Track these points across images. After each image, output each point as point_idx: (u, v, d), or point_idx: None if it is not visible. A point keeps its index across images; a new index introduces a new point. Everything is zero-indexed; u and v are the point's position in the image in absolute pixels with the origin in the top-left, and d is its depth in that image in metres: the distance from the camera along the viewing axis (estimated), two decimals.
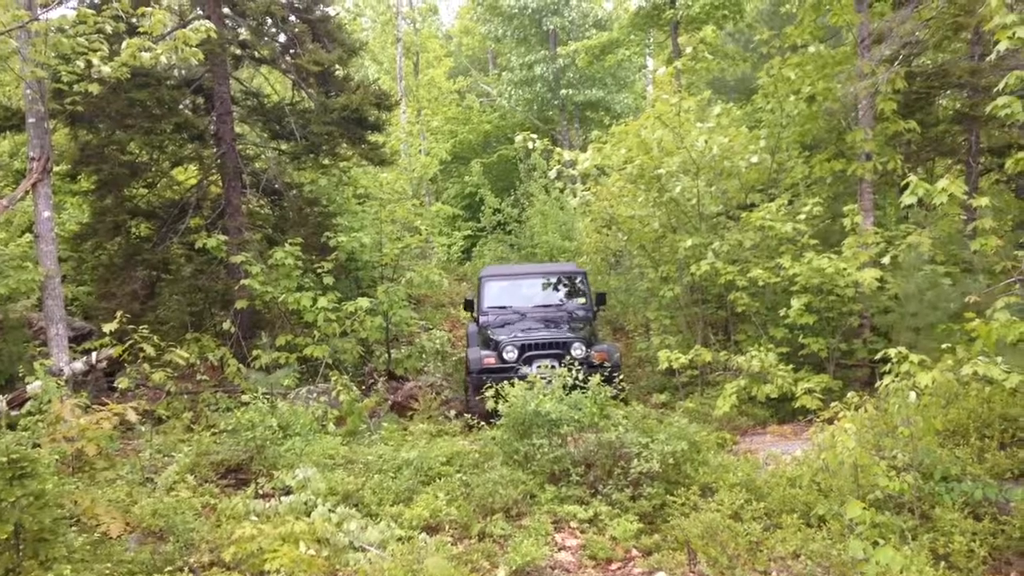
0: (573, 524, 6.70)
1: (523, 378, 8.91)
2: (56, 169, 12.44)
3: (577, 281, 12.94)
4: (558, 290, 12.85)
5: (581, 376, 8.22)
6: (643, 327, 15.14)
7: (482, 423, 9.30)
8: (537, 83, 27.80)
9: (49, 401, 7.33)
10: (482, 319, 12.38)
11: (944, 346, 6.19)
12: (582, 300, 12.68)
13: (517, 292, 12.74)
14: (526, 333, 11.38)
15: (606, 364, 10.64)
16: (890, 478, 5.33)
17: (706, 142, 11.42)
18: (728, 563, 4.88)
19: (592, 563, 6.09)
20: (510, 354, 10.91)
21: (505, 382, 8.59)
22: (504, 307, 12.46)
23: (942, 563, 4.88)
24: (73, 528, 5.78)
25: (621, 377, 10.15)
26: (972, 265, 10.27)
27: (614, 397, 8.23)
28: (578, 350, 10.72)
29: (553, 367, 9.86)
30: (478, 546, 6.26)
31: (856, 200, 11.34)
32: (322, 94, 14.10)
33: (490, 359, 10.94)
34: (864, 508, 4.45)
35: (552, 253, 19.62)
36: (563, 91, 27.14)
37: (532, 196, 21.44)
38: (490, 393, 9.68)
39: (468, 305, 13.08)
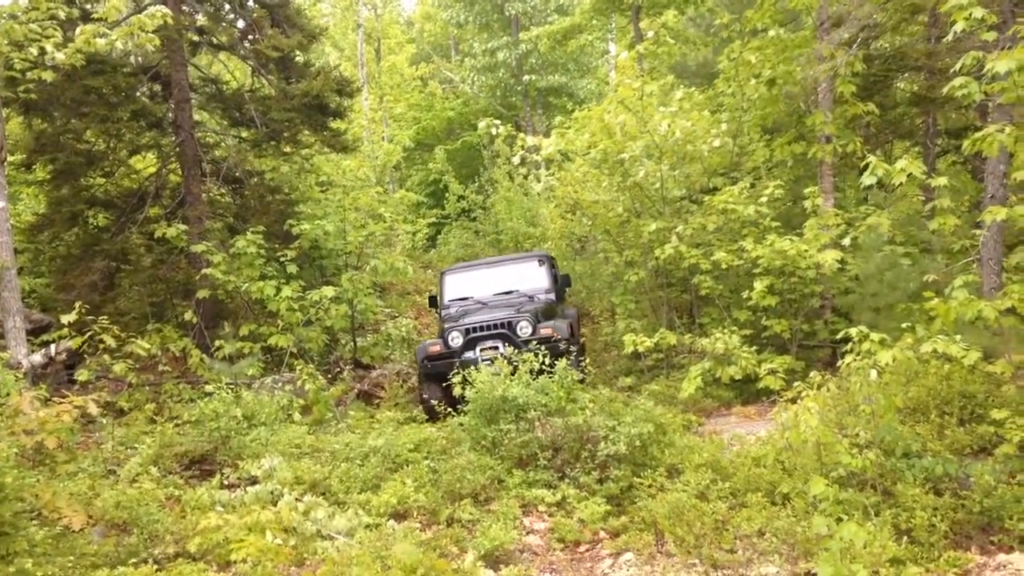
0: (541, 508, 6.72)
1: (467, 364, 9.00)
2: (10, 159, 12.19)
3: (539, 266, 12.48)
4: (520, 277, 12.35)
5: (528, 356, 8.09)
6: (608, 312, 15.18)
7: (427, 416, 9.60)
8: (500, 69, 27.69)
9: (8, 394, 7.18)
10: (443, 313, 12.05)
11: (904, 325, 6.28)
12: (543, 284, 12.17)
13: (477, 283, 12.36)
14: (473, 318, 10.94)
15: (557, 339, 10.11)
16: (852, 455, 5.40)
17: (669, 126, 11.46)
18: (695, 542, 4.92)
19: (560, 546, 6.12)
20: (455, 340, 10.51)
21: (457, 371, 8.53)
22: (465, 298, 12.08)
23: (904, 538, 4.97)
24: (34, 522, 5.69)
25: (586, 361, 10.10)
26: (930, 245, 10.43)
27: (580, 381, 8.16)
28: (524, 329, 10.31)
29: (496, 348, 10.07)
30: (447, 532, 6.27)
31: (817, 182, 11.45)
32: (282, 80, 13.94)
33: (435, 347, 10.63)
34: (827, 485, 4.51)
35: (517, 239, 19.61)
36: (526, 77, 27.05)
37: (496, 183, 21.40)
38: (435, 388, 9.91)
39: (432, 302, 12.87)
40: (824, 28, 11.28)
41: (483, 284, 12.27)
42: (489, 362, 9.08)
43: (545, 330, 10.31)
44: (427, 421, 9.47)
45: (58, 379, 10.44)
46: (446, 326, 10.90)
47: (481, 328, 10.51)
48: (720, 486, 5.90)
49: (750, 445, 7.13)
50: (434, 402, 9.30)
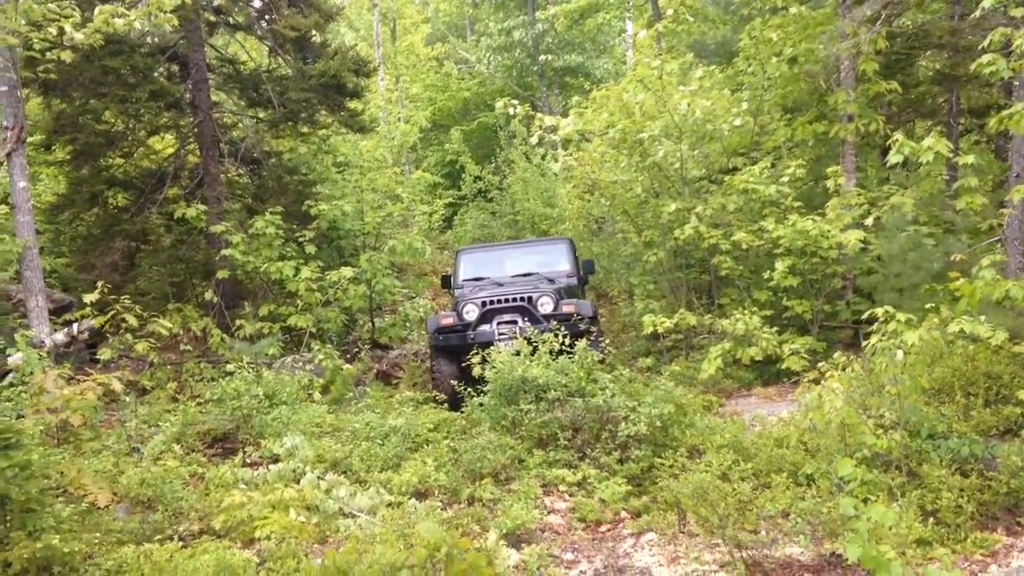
0: (562, 488, 6.73)
1: (482, 339, 9.02)
2: (30, 139, 12.23)
3: (560, 248, 11.91)
4: (541, 260, 11.75)
5: (547, 336, 7.94)
6: (627, 293, 15.13)
7: (445, 400, 9.09)
8: (516, 49, 27.54)
9: (31, 372, 7.24)
10: (457, 293, 11.39)
11: (928, 306, 6.22)
12: (565, 267, 11.52)
13: (494, 264, 11.82)
14: (490, 292, 10.34)
15: (580, 317, 9.51)
16: (877, 436, 5.36)
17: (688, 105, 11.36)
18: (718, 522, 4.90)
19: (582, 525, 6.12)
20: (469, 313, 9.88)
21: (472, 345, 8.58)
22: (480, 279, 11.46)
23: (930, 519, 4.94)
24: (60, 499, 5.74)
25: (606, 341, 9.64)
26: (954, 225, 10.32)
27: (600, 361, 8.06)
28: (545, 305, 9.68)
29: (514, 323, 9.53)
30: (468, 511, 6.28)
31: (838, 162, 11.34)
32: (299, 60, 13.92)
33: (448, 319, 9.99)
34: (855, 465, 4.47)
35: (534, 220, 19.55)
36: (542, 57, 26.90)
37: (513, 163, 21.33)
38: (446, 363, 9.55)
39: (445, 282, 12.16)
40: (846, 5, 11.15)
41: (501, 265, 11.77)
42: (507, 338, 9.00)
43: (568, 307, 9.72)
44: (445, 404, 9.10)
45: (80, 358, 10.51)
46: (461, 299, 10.44)
47: (499, 301, 9.90)
48: (742, 467, 5.87)
49: (772, 426, 7.10)
50: (453, 381, 9.00)
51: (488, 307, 9.87)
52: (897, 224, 9.75)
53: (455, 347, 9.56)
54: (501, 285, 10.91)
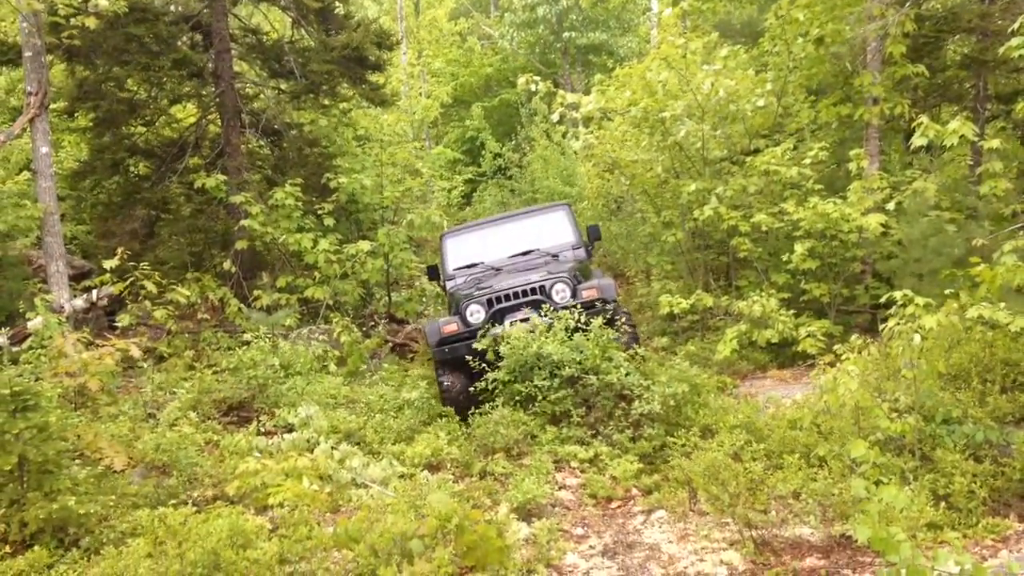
0: (574, 464, 6.76)
1: (495, 345, 7.87)
2: (53, 106, 12.29)
3: (558, 217, 10.31)
4: (539, 233, 10.19)
5: (564, 314, 7.62)
6: (644, 273, 15.10)
7: (455, 413, 8.02)
8: (539, 25, 27.32)
9: (51, 336, 7.32)
10: (448, 285, 9.96)
11: (947, 292, 6.17)
12: (568, 238, 10.03)
13: (486, 245, 10.17)
14: (494, 285, 8.88)
15: (601, 302, 8.40)
16: (891, 420, 5.34)
17: (712, 85, 11.26)
18: (729, 501, 4.91)
19: (592, 501, 6.16)
20: (476, 315, 8.46)
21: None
22: (472, 265, 9.94)
23: (942, 503, 4.92)
24: (77, 461, 5.82)
25: (630, 323, 8.54)
26: (976, 212, 10.21)
27: (626, 348, 7.62)
28: (561, 293, 8.43)
29: (529, 320, 8.05)
30: (479, 484, 6.32)
31: (862, 145, 11.22)
32: (322, 32, 13.90)
33: (451, 326, 8.51)
34: (868, 447, 4.46)
35: (553, 198, 19.45)
36: (566, 34, 26.68)
37: (533, 141, 21.25)
38: (456, 375, 8.23)
39: (433, 273, 10.42)
40: None
41: (494, 245, 10.14)
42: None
43: (588, 292, 8.46)
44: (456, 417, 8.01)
45: (99, 324, 10.61)
46: (463, 297, 8.90)
47: (508, 297, 8.51)
48: (754, 447, 5.86)
49: (786, 408, 7.07)
50: (456, 390, 8.24)
51: (497, 305, 8.50)
52: (919, 209, 9.65)
53: (464, 358, 8.19)
54: (499, 270, 9.63)
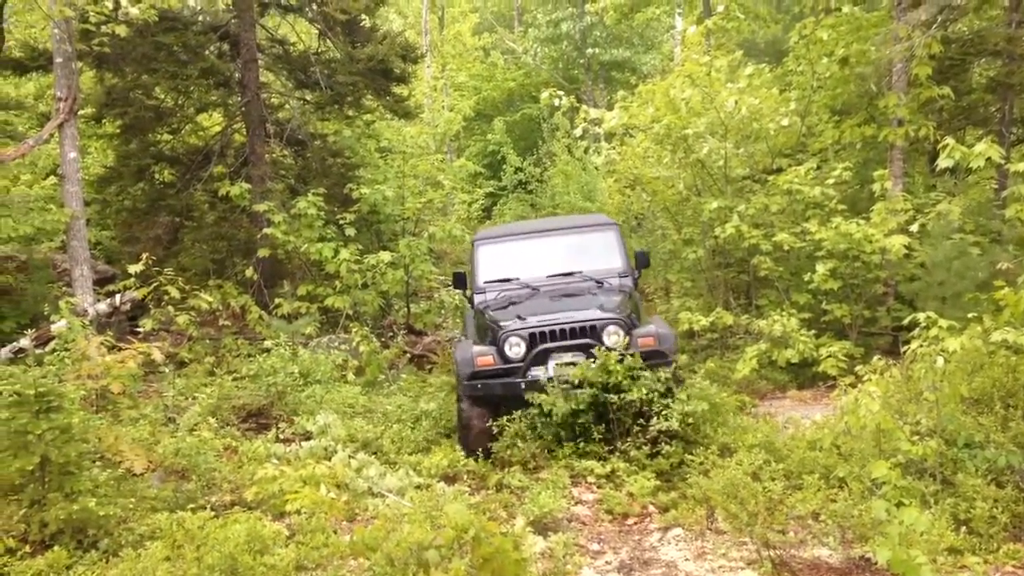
0: (590, 479, 6.73)
1: (535, 387, 7.07)
2: (81, 113, 12.44)
3: (607, 239, 9.10)
4: (584, 253, 9.03)
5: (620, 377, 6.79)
6: (663, 289, 15.08)
7: (479, 458, 7.17)
8: (563, 41, 27.46)
9: (74, 339, 7.39)
10: (478, 299, 8.82)
11: (971, 315, 6.13)
12: (616, 263, 8.84)
13: (525, 258, 9.06)
14: (538, 316, 7.64)
15: (658, 355, 7.23)
16: (913, 443, 5.30)
17: (736, 103, 11.26)
18: (747, 520, 4.88)
19: (609, 517, 6.13)
20: (515, 349, 7.36)
21: (522, 402, 7.07)
22: (506, 280, 8.84)
23: (963, 528, 4.87)
24: (97, 463, 5.86)
25: (677, 378, 7.34)
26: (1001, 235, 10.15)
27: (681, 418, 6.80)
28: (613, 335, 7.26)
29: (576, 365, 7.13)
30: (496, 496, 6.33)
31: (886, 166, 11.18)
32: (348, 44, 14.03)
33: (486, 358, 7.39)
34: (889, 468, 4.43)
35: (573, 213, 19.50)
36: (589, 50, 26.79)
37: (555, 156, 21.29)
38: (484, 415, 7.26)
39: (459, 281, 9.24)
40: (901, 8, 10.98)
41: (533, 260, 9.00)
42: (568, 387, 7.01)
43: (645, 340, 7.31)
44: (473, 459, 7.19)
45: (121, 328, 10.69)
46: (501, 325, 7.60)
47: (554, 335, 7.37)
48: (773, 467, 5.83)
49: (805, 428, 7.04)
50: (481, 430, 7.30)
51: (541, 344, 7.36)
52: (943, 231, 9.60)
53: (497, 397, 7.36)
54: (536, 291, 8.56)
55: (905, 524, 3.89)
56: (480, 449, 7.17)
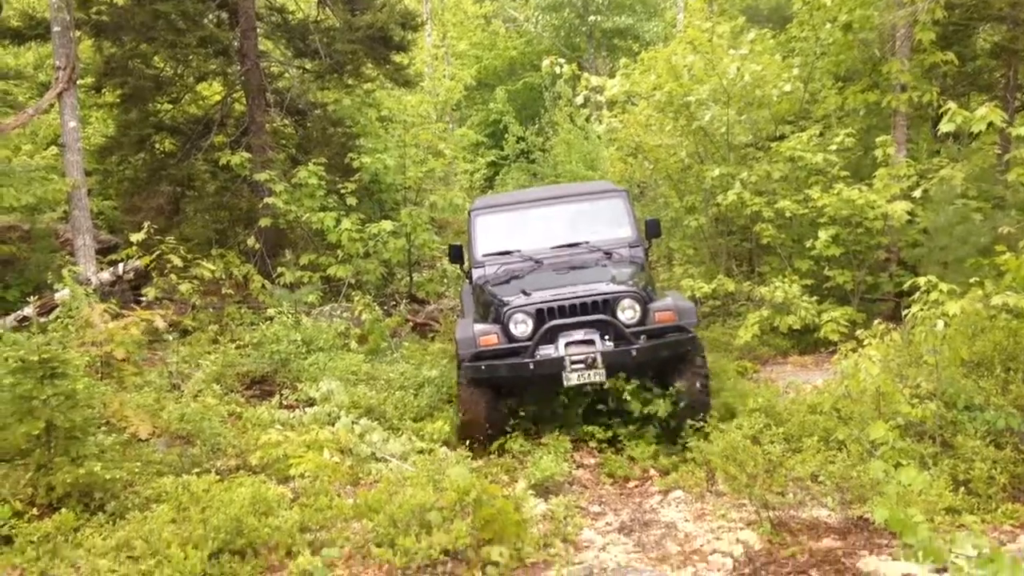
0: (591, 444, 6.78)
1: (545, 370, 6.51)
2: (81, 82, 12.39)
3: (615, 206, 8.48)
4: (591, 221, 8.41)
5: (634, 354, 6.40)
6: (665, 257, 15.08)
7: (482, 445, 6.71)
8: (565, 9, 27.26)
9: (78, 307, 7.42)
10: (476, 273, 8.19)
11: (972, 280, 6.13)
12: (625, 232, 8.25)
13: (525, 229, 8.41)
14: (544, 290, 6.99)
15: (678, 330, 6.72)
16: (912, 405, 5.33)
17: (738, 69, 11.18)
18: (747, 482, 4.92)
19: (610, 480, 6.19)
20: (521, 327, 6.72)
21: (530, 384, 6.78)
22: (507, 252, 8.21)
23: (961, 488, 4.90)
24: (103, 429, 5.91)
25: (703, 373, 6.78)
26: (1004, 200, 10.13)
27: (691, 407, 6.48)
28: (629, 310, 6.69)
29: (591, 342, 6.60)
30: (498, 461, 6.38)
31: (889, 132, 11.13)
32: (347, 11, 13.94)
33: (489, 337, 6.72)
34: (888, 430, 4.45)
35: (576, 182, 19.45)
36: (592, 17, 26.62)
37: (556, 125, 21.20)
38: (485, 398, 6.68)
39: (455, 254, 8.60)
40: None
41: (535, 230, 8.37)
42: (581, 368, 6.47)
43: (663, 315, 6.74)
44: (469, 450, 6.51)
45: (125, 297, 10.72)
46: (505, 301, 6.99)
47: (564, 310, 6.72)
48: (774, 431, 5.85)
49: (806, 393, 7.07)
50: (484, 416, 6.74)
51: (550, 321, 6.69)
52: (945, 197, 9.59)
53: (504, 380, 6.80)
54: (539, 264, 7.91)
55: (903, 484, 3.91)
56: (482, 437, 6.72)
